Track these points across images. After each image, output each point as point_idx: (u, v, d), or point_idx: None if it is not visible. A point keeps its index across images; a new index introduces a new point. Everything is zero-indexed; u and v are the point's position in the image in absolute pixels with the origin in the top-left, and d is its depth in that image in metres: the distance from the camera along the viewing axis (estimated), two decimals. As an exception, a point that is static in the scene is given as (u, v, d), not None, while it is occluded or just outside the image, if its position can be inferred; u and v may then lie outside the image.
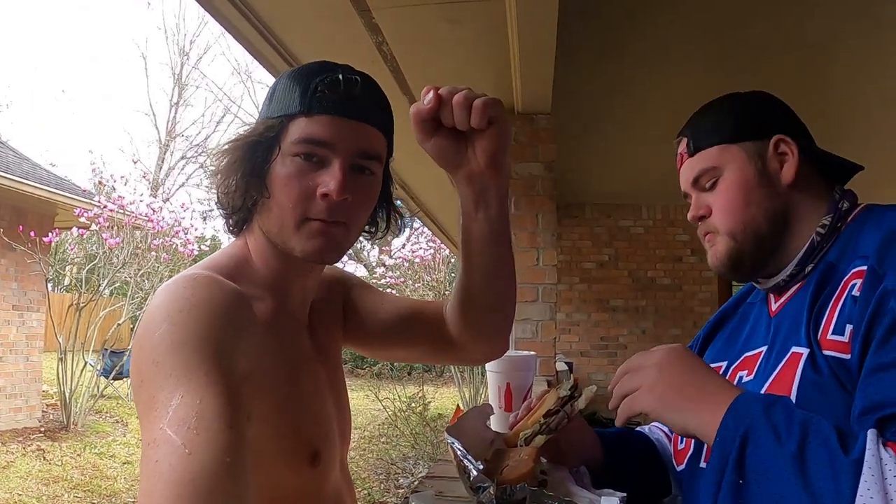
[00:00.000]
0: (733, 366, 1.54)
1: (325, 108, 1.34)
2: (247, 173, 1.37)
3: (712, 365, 1.59)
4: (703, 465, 1.43)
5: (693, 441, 1.53)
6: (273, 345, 1.37)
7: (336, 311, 1.74)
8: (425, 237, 16.83)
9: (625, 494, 1.35)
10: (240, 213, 1.44)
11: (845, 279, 1.25)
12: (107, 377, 14.22)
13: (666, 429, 1.82)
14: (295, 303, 1.53)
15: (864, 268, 1.19)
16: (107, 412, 14.46)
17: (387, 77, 4.93)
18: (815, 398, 1.19)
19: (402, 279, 17.35)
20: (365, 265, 27.13)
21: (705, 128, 1.57)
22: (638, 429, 1.88)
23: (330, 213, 1.34)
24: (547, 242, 5.80)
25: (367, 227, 1.58)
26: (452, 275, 18.65)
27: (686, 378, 1.25)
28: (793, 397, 1.22)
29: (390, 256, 18.67)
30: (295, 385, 1.41)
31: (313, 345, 1.58)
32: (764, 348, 1.44)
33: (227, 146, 1.40)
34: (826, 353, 1.20)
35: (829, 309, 1.25)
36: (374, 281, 18.89)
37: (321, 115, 1.34)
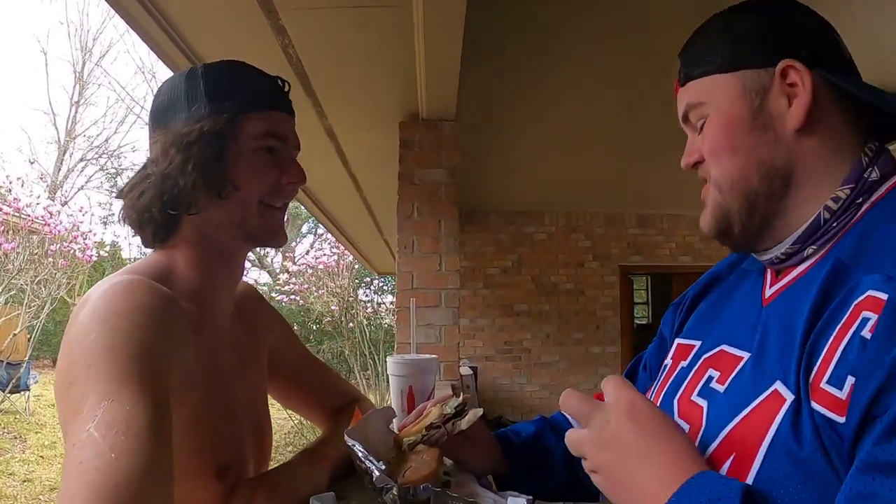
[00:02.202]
0: (707, 354, 1.23)
1: (275, 105, 1.48)
2: (201, 167, 1.36)
3: (686, 342, 1.37)
4: None
5: None
6: (198, 354, 1.35)
7: (262, 330, 1.74)
8: (329, 243, 16.78)
9: (531, 497, 1.29)
10: (162, 220, 1.40)
11: (857, 302, 0.91)
12: (3, 390, 13.72)
13: None
14: (220, 313, 1.52)
15: (885, 297, 0.86)
16: (3, 427, 13.88)
17: (292, 79, 4.80)
18: (788, 472, 0.91)
19: (305, 286, 17.23)
20: (269, 272, 26.79)
21: (699, 50, 1.22)
22: (561, 412, 1.62)
23: (288, 197, 1.50)
24: (449, 247, 5.81)
25: None
26: (356, 280, 18.60)
27: (631, 445, 0.98)
28: (761, 455, 0.94)
29: (294, 263, 18.55)
30: (211, 397, 1.39)
31: (238, 361, 1.56)
32: (746, 356, 1.11)
33: (170, 148, 1.37)
34: (815, 406, 0.90)
35: (829, 341, 0.92)
36: (278, 287, 18.71)
37: (274, 112, 1.47)
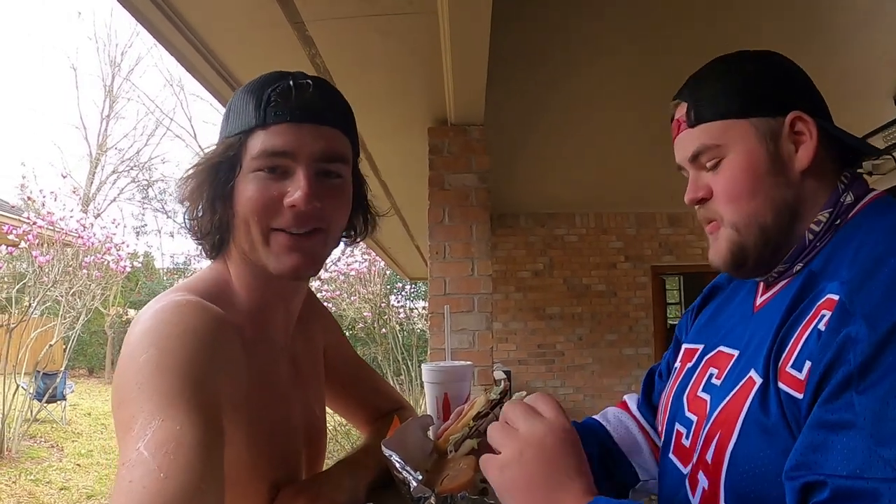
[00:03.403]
0: (708, 355, 1.41)
1: (279, 116, 1.31)
2: (212, 196, 1.35)
3: (691, 346, 1.53)
4: (670, 455, 1.40)
5: (664, 430, 1.48)
6: (251, 374, 1.35)
7: (317, 332, 1.74)
8: (360, 250, 16.79)
9: None
10: (211, 238, 1.41)
11: (819, 304, 1.09)
12: (40, 400, 13.85)
13: (635, 409, 1.80)
14: (277, 328, 1.50)
15: (837, 297, 1.05)
16: (41, 437, 14.08)
17: None
18: (757, 439, 1.10)
19: (337, 292, 17.27)
20: (301, 279, 26.86)
21: (710, 94, 1.32)
22: (592, 417, 1.82)
23: (299, 223, 1.32)
24: (481, 252, 5.80)
25: (349, 230, 1.58)
26: (388, 286, 18.62)
27: (540, 475, 1.11)
28: (736, 432, 1.14)
29: (326, 270, 18.59)
30: (265, 416, 1.38)
31: (294, 372, 1.55)
32: (736, 353, 1.29)
33: (190, 171, 1.37)
34: (781, 386, 1.09)
35: (795, 335, 1.11)
36: (310, 294, 18.77)
37: (277, 125, 1.31)
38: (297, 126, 1.32)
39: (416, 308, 20.47)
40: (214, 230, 1.39)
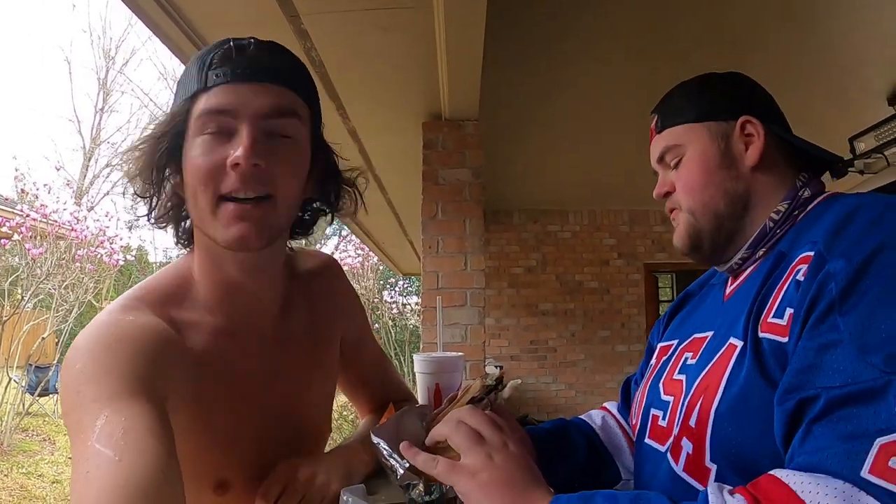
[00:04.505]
0: (682, 345, 1.50)
1: (220, 78, 1.26)
2: (161, 167, 1.32)
3: (666, 343, 1.62)
4: (647, 441, 1.44)
5: (639, 419, 1.53)
6: (202, 374, 1.32)
7: (335, 313, 1.71)
8: (353, 245, 16.77)
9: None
10: (169, 219, 1.39)
11: (792, 265, 1.19)
12: (32, 394, 13.74)
13: (616, 413, 1.85)
14: (249, 314, 1.45)
15: (812, 253, 1.14)
16: (33, 430, 13.99)
17: (316, 83, 4.85)
18: (742, 398, 1.15)
19: (331, 288, 17.23)
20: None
21: (674, 106, 1.53)
22: (578, 417, 1.88)
23: (244, 184, 1.24)
24: (475, 247, 5.82)
25: (317, 203, 1.53)
26: (381, 281, 18.60)
27: (513, 476, 1.16)
28: (720, 391, 1.19)
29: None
30: (217, 413, 1.36)
31: (282, 358, 1.51)
32: (710, 333, 1.39)
33: (137, 146, 1.33)
34: (764, 335, 1.16)
35: (773, 293, 1.20)
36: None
37: (219, 86, 1.26)
38: (238, 85, 1.26)
39: (409, 304, 20.47)
40: (169, 209, 1.37)
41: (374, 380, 1.95)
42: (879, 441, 0.88)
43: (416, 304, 19.42)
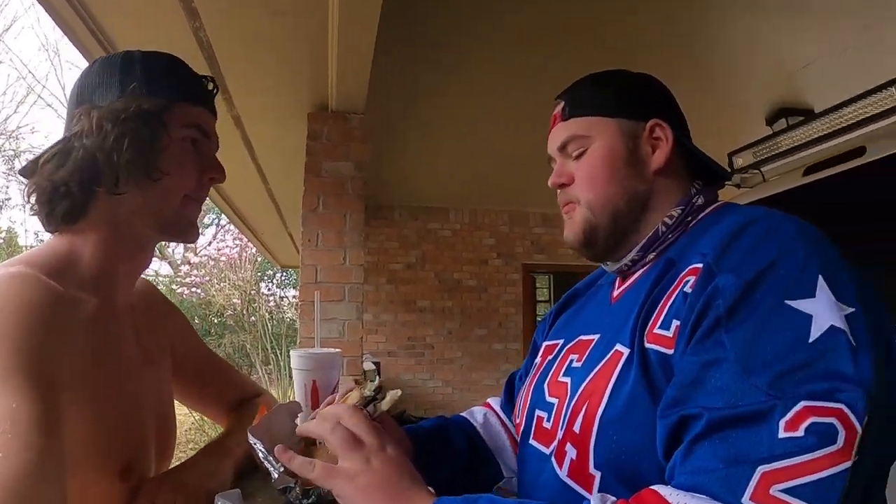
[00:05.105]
0: (568, 345, 1.50)
1: (203, 101, 1.47)
2: (140, 148, 1.34)
3: (551, 342, 1.62)
4: (531, 442, 1.43)
5: (524, 419, 1.53)
6: (95, 349, 1.30)
7: (164, 325, 1.72)
8: (231, 234, 16.54)
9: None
10: (71, 202, 1.35)
11: (681, 276, 1.20)
12: None
13: (499, 410, 1.84)
14: (122, 303, 1.48)
15: (700, 265, 1.15)
16: None
17: (201, 64, 4.80)
18: (626, 405, 1.16)
19: (207, 278, 16.95)
20: (170, 263, 26.26)
21: (585, 95, 1.49)
22: (460, 415, 1.86)
23: (206, 195, 1.50)
24: (354, 242, 5.81)
25: None
26: (259, 273, 18.39)
27: (392, 479, 1.16)
28: (605, 398, 1.20)
29: (196, 254, 18.25)
30: (113, 393, 1.34)
31: (140, 350, 1.52)
32: (597, 336, 1.39)
33: (105, 122, 1.33)
34: (650, 346, 1.17)
35: (660, 303, 1.21)
36: (179, 279, 18.39)
37: (203, 108, 1.47)
38: (213, 116, 1.51)
39: (287, 297, 20.32)
40: (105, 183, 1.34)
41: (218, 382, 1.93)
42: (761, 469, 0.90)
43: (294, 297, 19.29)
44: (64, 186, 1.33)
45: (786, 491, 0.87)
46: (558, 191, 1.51)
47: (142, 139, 1.33)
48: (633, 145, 1.42)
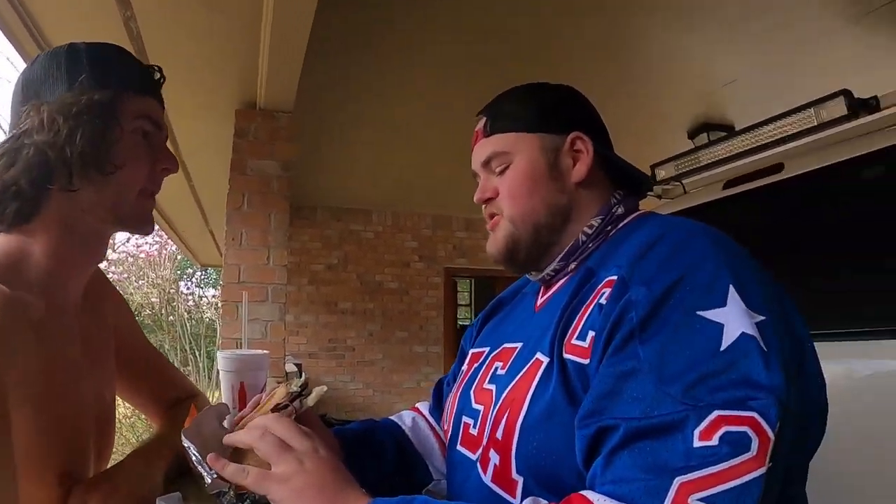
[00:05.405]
0: (493, 353, 1.52)
1: (153, 92, 1.44)
2: (93, 141, 1.31)
3: (477, 350, 1.63)
4: (458, 448, 1.45)
5: (451, 426, 1.54)
6: (41, 355, 1.27)
7: (108, 314, 1.67)
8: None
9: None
10: (41, 196, 1.33)
11: (598, 287, 1.22)
12: None
13: (427, 414, 1.85)
14: (70, 303, 1.44)
15: (615, 277, 1.17)
16: None
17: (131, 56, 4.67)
18: (546, 413, 1.18)
19: (125, 275, 16.63)
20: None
21: (506, 111, 1.50)
22: (389, 418, 1.85)
23: (160, 187, 1.47)
24: (278, 242, 5.77)
25: None
26: (178, 271, 18.12)
27: (326, 480, 1.16)
28: (526, 405, 1.22)
29: (114, 250, 17.88)
30: (56, 399, 1.31)
31: (86, 353, 1.47)
32: (520, 345, 1.41)
33: (56, 117, 1.30)
34: (567, 356, 1.19)
35: (578, 315, 1.23)
36: (96, 276, 18.04)
37: (154, 99, 1.44)
38: (162, 107, 1.48)
39: (206, 296, 20.04)
40: (58, 181, 1.31)
41: (154, 377, 1.89)
42: (679, 479, 0.92)
43: (214, 296, 19.05)
44: (14, 186, 1.29)
45: (703, 500, 0.90)
46: (483, 206, 1.53)
47: (95, 132, 1.30)
48: (553, 159, 1.44)
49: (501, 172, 1.47)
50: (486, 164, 1.50)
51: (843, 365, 2.81)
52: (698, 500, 0.90)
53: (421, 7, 4.67)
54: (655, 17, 4.98)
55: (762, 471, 0.92)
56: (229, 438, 1.28)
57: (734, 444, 0.93)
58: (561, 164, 1.44)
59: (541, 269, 1.49)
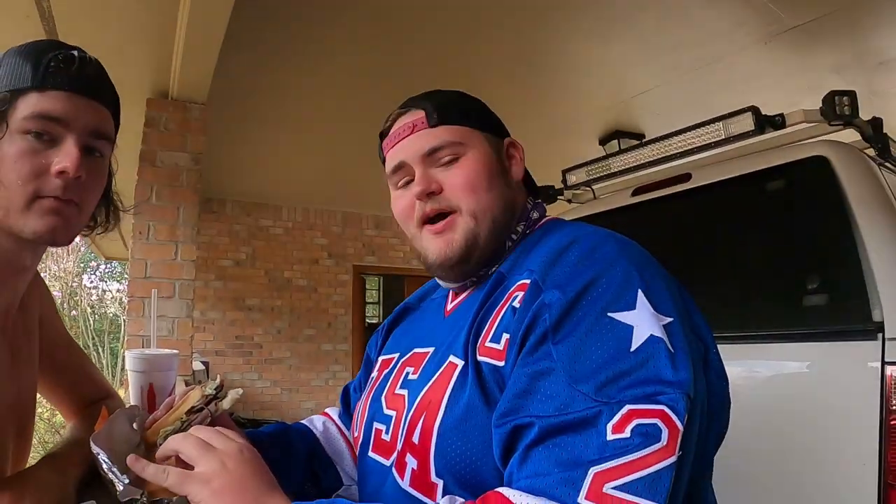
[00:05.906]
0: (403, 359, 1.53)
1: (59, 83, 1.29)
2: None
3: (387, 356, 1.64)
4: (370, 454, 1.44)
5: (362, 432, 1.53)
6: None
7: (34, 305, 1.62)
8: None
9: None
10: None
11: (510, 291, 1.26)
12: None
13: (337, 419, 1.84)
14: (0, 312, 1.40)
15: (528, 281, 1.22)
16: None
17: (40, 36, 4.50)
18: (462, 415, 1.20)
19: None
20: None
21: (452, 106, 1.48)
22: (301, 422, 1.85)
23: (64, 191, 1.29)
24: (187, 237, 5.70)
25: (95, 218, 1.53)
26: (81, 264, 17.73)
27: (248, 482, 1.15)
28: (442, 409, 1.23)
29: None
30: None
31: (11, 358, 1.44)
32: (431, 349, 1.42)
33: None
34: (481, 359, 1.22)
35: (491, 318, 1.27)
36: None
37: (55, 91, 1.28)
38: (76, 97, 1.30)
39: (110, 290, 19.65)
40: None
41: (72, 373, 1.84)
42: (593, 469, 0.95)
43: (118, 290, 18.68)
44: None
45: (618, 488, 0.93)
46: (420, 202, 1.44)
47: None
48: (498, 157, 1.47)
49: (448, 164, 1.42)
50: (430, 154, 1.43)
51: (743, 365, 2.94)
52: (613, 488, 0.94)
53: (338, 10, 4.66)
54: (571, 28, 5.07)
55: (673, 459, 0.96)
56: (160, 452, 1.25)
57: (645, 436, 0.97)
58: (504, 164, 1.48)
59: (472, 276, 1.47)
